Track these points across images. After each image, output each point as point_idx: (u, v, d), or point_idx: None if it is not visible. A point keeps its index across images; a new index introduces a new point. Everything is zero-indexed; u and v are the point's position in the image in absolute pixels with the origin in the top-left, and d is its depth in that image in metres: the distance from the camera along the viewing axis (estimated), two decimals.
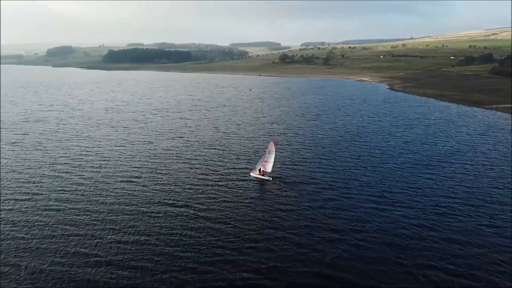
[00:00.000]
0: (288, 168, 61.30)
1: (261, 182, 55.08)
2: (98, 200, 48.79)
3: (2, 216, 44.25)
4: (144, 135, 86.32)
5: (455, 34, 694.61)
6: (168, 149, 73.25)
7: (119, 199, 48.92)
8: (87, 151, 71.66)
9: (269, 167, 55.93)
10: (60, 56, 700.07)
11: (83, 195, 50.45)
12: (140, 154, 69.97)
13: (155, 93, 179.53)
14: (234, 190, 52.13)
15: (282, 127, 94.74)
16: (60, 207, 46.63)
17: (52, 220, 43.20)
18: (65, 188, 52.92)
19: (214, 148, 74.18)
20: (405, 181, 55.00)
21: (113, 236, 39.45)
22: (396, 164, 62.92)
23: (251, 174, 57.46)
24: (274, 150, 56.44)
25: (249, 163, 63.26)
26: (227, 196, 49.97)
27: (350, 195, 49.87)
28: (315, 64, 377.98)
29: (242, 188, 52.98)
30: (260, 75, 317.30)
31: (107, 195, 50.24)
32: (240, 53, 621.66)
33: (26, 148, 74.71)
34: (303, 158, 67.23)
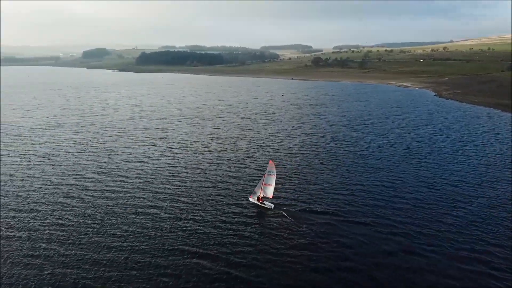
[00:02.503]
0: (341, 197, 48.17)
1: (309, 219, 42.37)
2: (102, 234, 37.86)
3: None
4: (168, 148, 75.46)
5: (500, 37, 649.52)
6: (194, 169, 61.61)
7: (127, 237, 37.74)
8: (101, 169, 61.18)
9: (269, 192, 45.67)
10: (95, 58, 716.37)
11: (82, 231, 39.62)
12: (160, 174, 58.79)
13: (184, 97, 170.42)
14: (275, 231, 39.81)
15: (326, 140, 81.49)
16: (54, 243, 36.00)
17: (43, 260, 32.80)
18: (66, 217, 42.55)
19: (248, 168, 62.11)
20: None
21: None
22: (488, 198, 48.10)
23: (250, 199, 46.98)
24: (275, 170, 46.02)
25: (291, 191, 50.91)
26: (266, 240, 37.72)
27: (437, 250, 36.24)
28: (350, 67, 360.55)
29: (284, 227, 40.55)
30: (292, 78, 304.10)
31: (114, 230, 39.20)
32: (271, 56, 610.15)
33: (34, 162, 65.44)
34: (360, 184, 53.83)
